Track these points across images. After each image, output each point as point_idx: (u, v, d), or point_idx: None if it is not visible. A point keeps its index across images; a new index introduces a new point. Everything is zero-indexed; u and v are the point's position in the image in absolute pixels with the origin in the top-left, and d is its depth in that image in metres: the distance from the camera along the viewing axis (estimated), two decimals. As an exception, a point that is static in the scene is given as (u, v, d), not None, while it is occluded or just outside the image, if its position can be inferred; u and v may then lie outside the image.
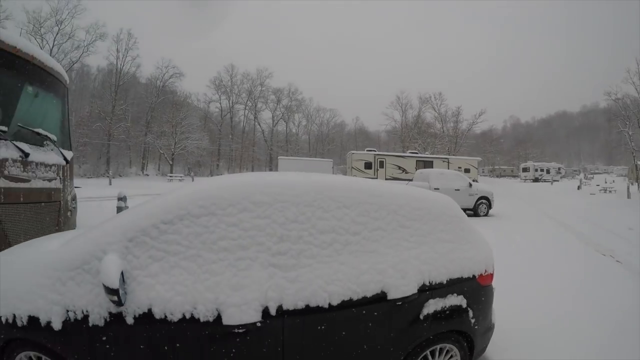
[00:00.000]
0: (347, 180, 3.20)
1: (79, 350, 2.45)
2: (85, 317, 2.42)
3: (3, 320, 2.54)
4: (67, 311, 2.44)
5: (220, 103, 76.62)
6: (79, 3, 51.80)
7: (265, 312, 2.47)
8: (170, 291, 2.42)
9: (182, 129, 55.69)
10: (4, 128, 5.01)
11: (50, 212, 5.77)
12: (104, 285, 2.28)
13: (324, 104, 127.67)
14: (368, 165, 34.61)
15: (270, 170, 74.47)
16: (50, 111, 6.18)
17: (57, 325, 2.43)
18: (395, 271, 2.85)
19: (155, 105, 61.18)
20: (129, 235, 2.53)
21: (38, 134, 5.56)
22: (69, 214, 6.28)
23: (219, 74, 74.99)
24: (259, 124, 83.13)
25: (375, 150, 38.97)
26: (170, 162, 56.67)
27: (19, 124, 5.29)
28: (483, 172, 44.00)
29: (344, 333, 2.67)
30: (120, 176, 48.94)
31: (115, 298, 2.28)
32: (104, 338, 2.42)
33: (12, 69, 5.35)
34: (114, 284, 2.26)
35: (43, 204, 5.58)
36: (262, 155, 79.89)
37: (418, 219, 3.16)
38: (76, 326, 2.43)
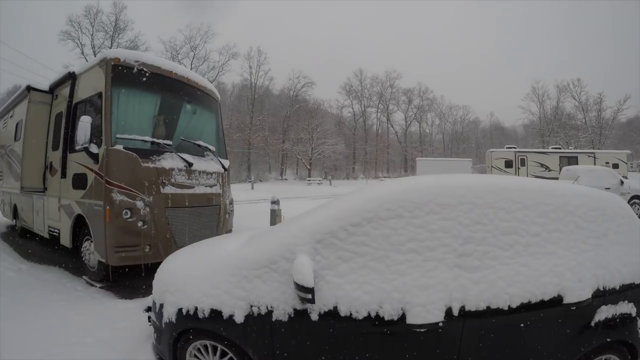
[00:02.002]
0: (522, 181, 3.14)
1: (259, 343, 2.64)
2: (269, 313, 2.60)
3: (184, 312, 2.86)
4: (251, 306, 2.64)
5: (352, 108, 78.75)
6: (209, 29, 59.93)
7: (448, 312, 2.47)
8: (358, 290, 2.51)
9: (318, 134, 58.57)
10: (169, 142, 5.78)
11: (212, 215, 6.55)
12: (297, 284, 2.43)
13: (456, 100, 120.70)
14: (508, 164, 32.04)
15: (406, 172, 73.58)
16: (207, 125, 7.07)
17: (239, 318, 2.65)
18: (572, 274, 2.71)
19: (290, 114, 65.64)
20: (317, 237, 2.67)
21: (199, 145, 6.29)
22: (227, 216, 6.97)
23: (349, 80, 77.11)
24: (392, 126, 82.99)
25: (515, 147, 35.88)
26: (308, 167, 59.89)
27: (182, 138, 6.16)
28: (631, 167, 37.47)
29: (517, 337, 2.60)
30: (261, 181, 53.32)
31: (309, 296, 2.41)
32: (286, 333, 2.58)
33: (171, 90, 6.16)
34: (310, 282, 2.40)
35: (205, 207, 6.24)
36: (396, 157, 79.34)
37: (593, 220, 2.98)
38: (258, 320, 2.62)
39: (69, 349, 3.86)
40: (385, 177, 59.60)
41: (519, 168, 32.74)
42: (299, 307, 2.55)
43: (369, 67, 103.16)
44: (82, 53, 55.26)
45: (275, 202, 8.93)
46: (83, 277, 6.32)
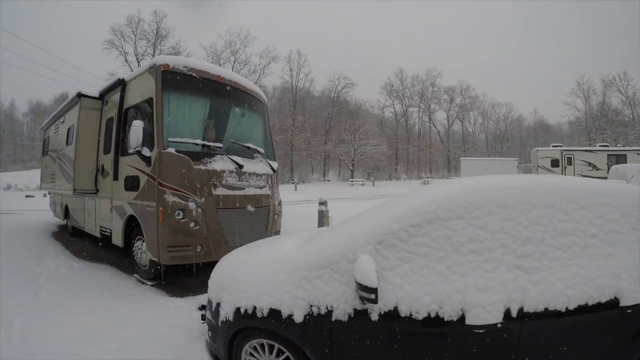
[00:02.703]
0: (578, 181, 3.07)
1: (317, 342, 2.67)
2: (329, 313, 2.63)
3: (242, 311, 2.91)
4: (311, 306, 2.68)
5: (393, 107, 78.37)
6: (249, 34, 61.14)
7: (507, 314, 2.46)
8: (419, 291, 2.52)
9: (360, 135, 58.48)
10: (220, 145, 5.89)
11: (261, 216, 6.65)
12: (360, 284, 2.46)
13: (499, 98, 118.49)
14: (555, 163, 30.99)
15: (449, 172, 72.46)
16: (255, 127, 7.18)
17: (298, 318, 2.68)
18: (629, 276, 2.64)
19: (331, 115, 65.58)
20: (378, 238, 2.69)
21: (248, 148, 6.40)
22: (276, 217, 7.05)
23: (389, 79, 76.86)
24: (434, 125, 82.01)
25: (561, 146, 34.64)
26: (351, 168, 59.71)
27: (231, 141, 6.28)
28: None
29: (573, 339, 2.56)
30: (304, 182, 53.53)
31: (373, 296, 2.44)
32: (345, 332, 2.60)
33: (220, 94, 6.31)
34: (374, 283, 2.42)
35: (255, 208, 6.32)
36: (439, 157, 78.38)
37: None
38: (318, 320, 2.66)
39: (124, 344, 3.99)
40: (428, 178, 58.95)
41: (565, 167, 31.71)
42: (359, 307, 2.57)
43: (409, 66, 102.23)
44: (126, 60, 57.81)
45: (323, 203, 8.92)
46: (134, 275, 6.53)
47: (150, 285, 6.03)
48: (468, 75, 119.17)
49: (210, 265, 6.06)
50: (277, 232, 7.25)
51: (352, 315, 2.58)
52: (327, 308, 2.63)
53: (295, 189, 35.43)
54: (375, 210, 3.16)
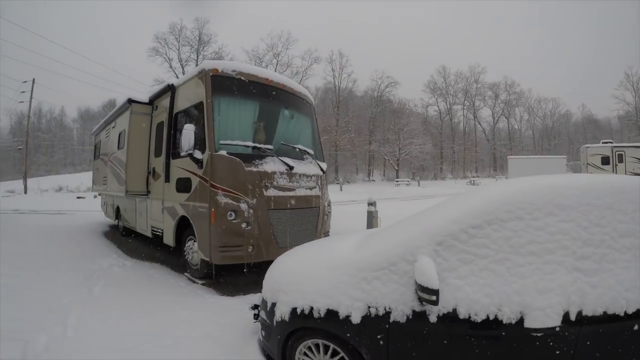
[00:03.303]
0: (636, 181, 2.97)
1: (374, 343, 2.67)
2: (387, 314, 2.63)
3: (298, 311, 2.94)
4: (369, 307, 2.68)
5: (437, 106, 76.82)
6: (289, 36, 61.50)
7: (565, 317, 2.41)
8: (478, 293, 2.51)
9: (405, 134, 57.65)
10: (270, 146, 5.94)
11: (312, 217, 6.69)
12: (421, 286, 2.46)
13: (545, 93, 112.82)
14: (605, 161, 29.46)
15: (495, 171, 70.69)
16: (304, 129, 7.25)
17: (356, 319, 2.68)
18: None
19: (375, 115, 65.11)
20: (438, 239, 2.68)
21: (298, 149, 6.54)
22: (325, 217, 7.05)
23: (432, 77, 75.38)
24: (479, 123, 79.79)
25: (611, 142, 33.02)
26: (396, 168, 59.12)
27: (281, 142, 6.34)
28: None
29: (630, 344, 2.47)
30: (349, 182, 53.19)
31: (434, 298, 2.43)
32: (403, 334, 2.60)
33: (269, 97, 6.39)
34: (435, 284, 2.41)
35: (305, 209, 6.37)
36: (484, 156, 76.43)
37: None
38: (375, 321, 2.65)
39: (177, 341, 4.04)
40: (474, 177, 57.44)
41: (616, 165, 30.21)
42: (418, 308, 2.56)
43: (451, 63, 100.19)
44: (171, 67, 59.63)
45: (372, 203, 8.85)
46: (185, 273, 6.68)
47: (201, 284, 6.14)
48: (512, 70, 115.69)
49: (261, 265, 6.20)
50: (327, 233, 7.27)
51: (410, 317, 2.57)
52: (385, 309, 2.63)
53: (341, 190, 35.34)
54: (433, 211, 3.15)
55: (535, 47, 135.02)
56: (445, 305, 2.50)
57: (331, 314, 2.77)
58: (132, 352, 3.82)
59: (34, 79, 37.89)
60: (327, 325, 2.81)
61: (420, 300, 2.51)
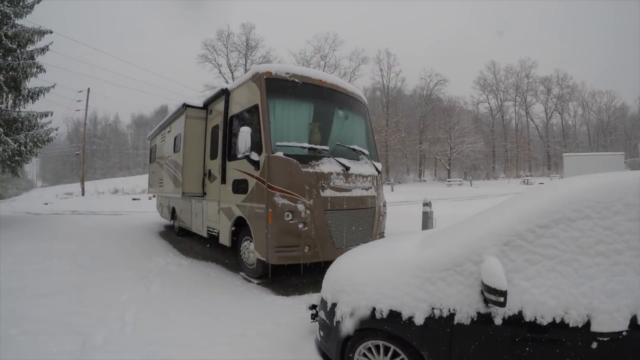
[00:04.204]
0: None
1: (437, 346, 2.63)
2: (451, 316, 2.58)
3: (360, 312, 2.90)
4: (433, 309, 2.64)
5: (488, 103, 74.47)
6: (336, 37, 61.55)
7: (632, 321, 2.28)
8: (545, 294, 2.43)
9: (456, 133, 56.62)
10: (326, 147, 5.96)
11: (367, 217, 6.66)
12: (488, 287, 2.41)
13: (599, 86, 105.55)
14: None
15: (549, 169, 67.96)
16: (358, 129, 7.26)
17: (419, 320, 2.65)
18: None
19: (425, 114, 64.17)
20: (504, 239, 2.62)
21: (353, 149, 6.48)
22: (381, 218, 7.00)
23: (482, 73, 73.32)
24: (532, 120, 76.63)
25: None
26: (448, 167, 58.04)
27: (337, 143, 6.32)
28: None
29: None
30: (399, 183, 52.66)
31: (501, 299, 2.38)
32: (466, 336, 2.54)
33: (323, 98, 6.42)
34: (503, 285, 2.36)
35: (362, 210, 6.40)
36: (538, 154, 73.57)
37: None
38: (439, 323, 2.60)
39: (233, 340, 4.11)
40: (527, 177, 55.34)
41: (678, 159, 28.40)
42: (483, 310, 2.50)
43: (501, 57, 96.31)
44: (220, 72, 61.55)
45: (427, 204, 8.72)
46: (240, 273, 6.83)
47: (257, 284, 6.24)
48: (564, 63, 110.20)
49: (316, 266, 6.28)
50: (382, 234, 7.22)
51: (474, 319, 2.51)
52: (449, 311, 2.58)
53: (392, 190, 34.83)
54: (497, 211, 3.08)
55: (585, 37, 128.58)
56: (511, 308, 2.43)
57: (394, 315, 2.75)
58: (189, 349, 3.92)
59: (88, 89, 40.18)
60: (389, 326, 2.78)
61: (486, 301, 2.46)
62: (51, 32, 13.72)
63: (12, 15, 12.66)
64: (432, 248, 3.04)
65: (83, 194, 39.52)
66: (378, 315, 2.81)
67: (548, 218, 2.59)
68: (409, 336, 2.69)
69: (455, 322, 2.55)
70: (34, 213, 20.11)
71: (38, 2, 13.99)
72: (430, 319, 2.62)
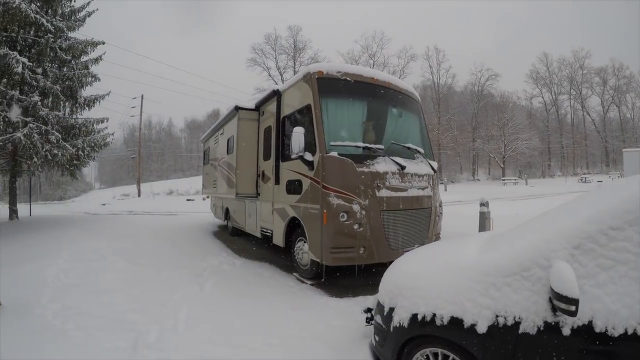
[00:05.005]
0: None
1: (500, 355, 2.49)
2: (516, 324, 2.42)
3: (419, 317, 2.81)
4: (497, 316, 2.49)
5: (542, 97, 71.03)
6: (383, 36, 61.32)
7: None
8: (617, 303, 2.22)
9: (510, 130, 54.63)
10: (381, 146, 5.89)
11: (423, 218, 6.54)
12: (558, 294, 2.24)
13: None
14: None
15: (607, 166, 64.16)
16: (412, 127, 7.14)
17: (482, 328, 2.51)
18: None
19: (477, 111, 62.47)
20: (575, 242, 2.42)
21: (408, 148, 6.38)
22: (437, 219, 6.85)
23: (534, 66, 69.79)
24: (588, 113, 72.19)
25: None
26: (502, 166, 56.13)
27: (392, 141, 6.22)
28: None
29: None
30: (453, 182, 51.63)
31: (573, 308, 2.21)
32: (531, 346, 2.39)
33: (375, 96, 6.37)
34: (575, 293, 2.19)
35: (418, 210, 6.33)
36: (595, 150, 69.43)
37: None
38: (503, 332, 2.46)
39: (286, 341, 4.12)
40: (585, 174, 52.34)
41: None
42: (550, 319, 2.32)
43: (553, 49, 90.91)
44: (269, 75, 62.81)
45: (484, 204, 8.47)
46: (293, 274, 6.87)
47: (310, 284, 6.24)
48: (618, 51, 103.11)
49: (370, 267, 6.22)
50: (438, 235, 7.07)
51: (541, 329, 2.33)
52: (514, 319, 2.42)
53: (445, 190, 33.94)
54: (564, 210, 2.90)
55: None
56: (580, 317, 2.24)
57: (455, 321, 2.62)
58: (241, 349, 3.96)
59: (142, 95, 42.29)
60: (450, 333, 2.66)
61: (554, 310, 2.29)
62: (103, 43, 14.80)
63: (65, 29, 13.65)
64: (496, 251, 2.89)
65: (139, 195, 41.47)
66: (438, 322, 2.70)
67: (620, 219, 2.36)
68: (470, 345, 2.56)
69: (520, 331, 2.40)
70: (92, 213, 21.32)
71: (89, 16, 15.15)
72: (493, 327, 2.48)
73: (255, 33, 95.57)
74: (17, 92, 11.30)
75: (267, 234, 8.00)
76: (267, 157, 7.89)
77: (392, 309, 3.09)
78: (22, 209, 15.78)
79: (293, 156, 5.95)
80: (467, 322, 2.57)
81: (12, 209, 14.52)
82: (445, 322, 2.66)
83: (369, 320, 3.88)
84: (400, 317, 2.95)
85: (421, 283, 3.01)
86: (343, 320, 4.63)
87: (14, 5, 10.41)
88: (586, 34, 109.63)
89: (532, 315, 2.39)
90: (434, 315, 2.73)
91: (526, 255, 2.55)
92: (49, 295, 5.45)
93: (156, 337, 4.19)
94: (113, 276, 6.38)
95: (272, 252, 8.50)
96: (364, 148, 5.89)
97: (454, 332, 2.63)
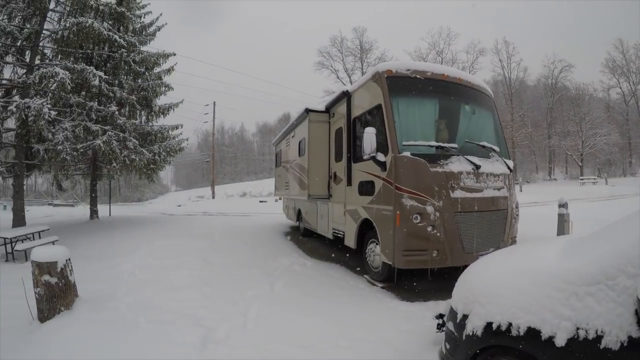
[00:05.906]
0: None
1: None
2: (598, 338, 2.22)
3: (494, 326, 2.67)
4: (577, 329, 2.31)
5: (620, 87, 63.69)
6: (450, 31, 59.32)
7: None
8: None
9: (587, 125, 50.42)
10: (455, 145, 5.76)
11: (499, 220, 6.25)
12: None
13: None
14: None
15: None
16: (486, 124, 6.87)
17: (560, 341, 2.34)
18: None
19: (552, 105, 58.48)
20: None
21: (483, 146, 6.19)
22: (513, 221, 6.57)
23: (609, 54, 62.93)
24: None
25: None
26: (580, 164, 52.13)
27: (465, 140, 6.07)
28: None
29: None
30: (528, 182, 48.93)
31: None
32: None
33: (447, 93, 6.24)
34: None
35: (493, 212, 6.09)
36: None
37: None
38: (583, 346, 2.27)
39: (354, 344, 4.12)
40: None
41: None
42: (635, 335, 2.10)
43: (628, 34, 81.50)
44: (337, 77, 63.24)
45: (563, 205, 8.03)
46: (364, 276, 6.86)
47: (381, 287, 6.20)
48: None
49: (443, 271, 6.14)
50: (514, 239, 6.75)
51: (624, 344, 2.11)
52: (596, 332, 2.22)
53: (521, 190, 32.13)
54: None
55: None
56: None
57: (532, 332, 2.47)
58: (309, 349, 4.02)
59: (214, 102, 44.25)
60: (525, 345, 2.51)
61: None
62: (174, 55, 16.13)
63: (138, 44, 14.94)
64: (578, 257, 2.68)
65: (213, 197, 43.43)
66: (514, 332, 2.55)
67: None
68: (547, 358, 2.41)
69: (602, 346, 2.20)
70: (169, 214, 22.63)
71: (159, 30, 16.82)
72: (573, 341, 2.30)
73: (320, 38, 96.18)
74: (96, 103, 12.61)
75: (339, 235, 8.07)
76: (338, 158, 7.97)
77: (465, 316, 2.97)
78: (103, 209, 17.31)
79: (365, 157, 5.96)
80: (544, 334, 2.40)
81: (93, 209, 16.37)
82: (522, 333, 2.51)
83: (440, 326, 3.79)
84: (474, 325, 2.82)
85: (497, 290, 2.87)
86: (412, 325, 4.57)
87: (87, 25, 11.54)
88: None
89: (615, 329, 2.18)
90: (510, 324, 2.59)
91: (610, 261, 2.36)
92: (124, 289, 5.89)
93: (225, 334, 4.35)
94: (186, 273, 6.75)
95: (343, 253, 8.54)
96: (437, 147, 5.77)
97: (530, 343, 2.48)
